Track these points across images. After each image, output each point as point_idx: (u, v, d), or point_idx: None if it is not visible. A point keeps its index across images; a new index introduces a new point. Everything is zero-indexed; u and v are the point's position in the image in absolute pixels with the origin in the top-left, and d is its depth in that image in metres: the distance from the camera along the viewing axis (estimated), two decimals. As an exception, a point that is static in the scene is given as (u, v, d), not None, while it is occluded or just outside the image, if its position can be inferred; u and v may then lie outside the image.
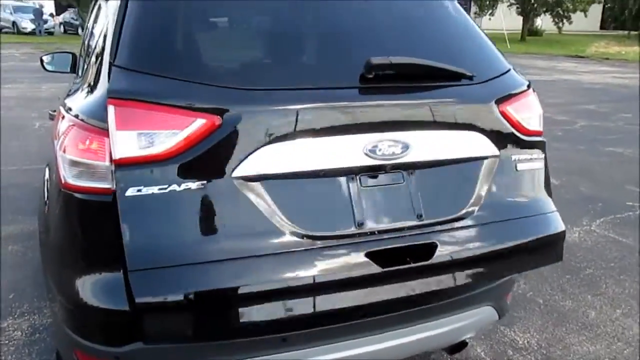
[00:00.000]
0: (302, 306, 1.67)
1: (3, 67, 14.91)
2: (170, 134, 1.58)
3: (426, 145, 1.88)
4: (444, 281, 1.87)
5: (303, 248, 1.68)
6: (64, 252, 1.78)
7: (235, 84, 1.70)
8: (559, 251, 2.13)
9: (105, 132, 1.59)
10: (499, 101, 2.03)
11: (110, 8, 1.95)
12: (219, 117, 1.62)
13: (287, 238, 1.67)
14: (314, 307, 1.68)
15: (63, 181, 1.69)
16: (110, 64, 1.68)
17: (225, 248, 1.61)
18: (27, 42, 23.79)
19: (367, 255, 1.73)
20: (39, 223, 2.27)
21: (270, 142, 1.66)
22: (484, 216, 1.95)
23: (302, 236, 1.69)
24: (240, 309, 1.61)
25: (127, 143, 1.55)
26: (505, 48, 29.38)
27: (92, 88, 1.86)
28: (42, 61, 3.70)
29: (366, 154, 1.77)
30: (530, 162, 2.11)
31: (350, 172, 1.78)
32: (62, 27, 29.85)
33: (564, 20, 36.67)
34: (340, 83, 1.84)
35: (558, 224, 2.10)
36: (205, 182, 1.61)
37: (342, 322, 1.82)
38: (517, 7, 37.31)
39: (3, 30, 29.36)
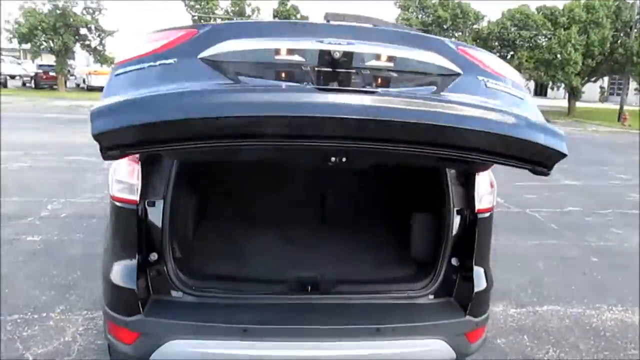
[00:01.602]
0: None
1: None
2: (155, 42, 2.16)
3: (371, 48, 2.13)
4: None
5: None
6: (106, 244, 2.53)
7: None
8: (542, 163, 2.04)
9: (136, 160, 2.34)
10: (457, 45, 2.35)
11: None
12: (197, 30, 2.19)
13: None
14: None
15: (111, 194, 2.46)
16: None
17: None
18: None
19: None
20: None
21: (228, 39, 2.12)
22: (448, 98, 2.06)
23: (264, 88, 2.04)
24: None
25: (123, 55, 2.19)
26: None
27: None
28: None
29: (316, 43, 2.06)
30: (505, 88, 2.21)
31: (305, 57, 2.08)
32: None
33: None
34: None
35: (538, 134, 1.94)
36: (176, 59, 2.07)
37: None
38: (687, 83, 34.13)
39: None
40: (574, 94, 31.63)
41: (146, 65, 2.05)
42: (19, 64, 39.76)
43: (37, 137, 12.01)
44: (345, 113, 1.80)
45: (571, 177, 10.63)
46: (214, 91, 1.92)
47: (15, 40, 31.55)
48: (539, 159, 2.04)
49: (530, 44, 31.41)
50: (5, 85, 30.73)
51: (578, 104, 32.49)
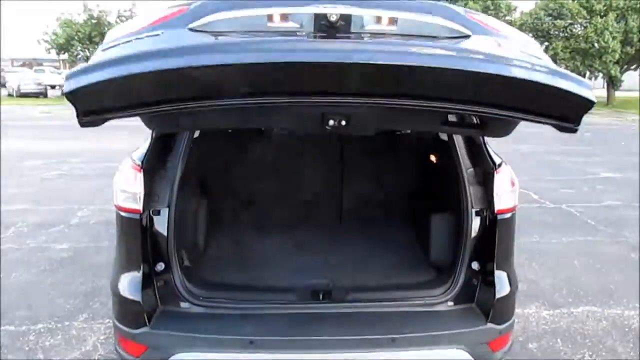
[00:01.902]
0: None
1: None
2: (146, 20, 2.11)
3: (370, 10, 2.02)
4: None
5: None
6: (115, 254, 2.49)
7: None
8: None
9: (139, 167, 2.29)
10: (467, 12, 2.22)
11: None
12: (187, 7, 2.11)
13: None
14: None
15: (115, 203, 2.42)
16: None
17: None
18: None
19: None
20: None
21: (217, 12, 2.03)
22: (460, 46, 1.98)
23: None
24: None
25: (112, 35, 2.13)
26: None
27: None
28: None
29: (311, 7, 1.97)
30: (520, 48, 2.03)
31: (299, 24, 1.97)
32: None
33: None
34: None
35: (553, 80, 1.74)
36: (163, 31, 1.98)
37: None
38: None
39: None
40: (612, 83, 30.59)
41: (133, 38, 1.97)
42: (59, 73, 40.90)
43: (74, 145, 12.25)
44: (350, 58, 1.64)
45: (610, 169, 10.30)
46: (187, 44, 1.81)
47: (53, 51, 32.60)
48: (563, 111, 1.84)
49: (566, 34, 30.55)
50: (45, 95, 31.67)
51: (617, 94, 31.42)
